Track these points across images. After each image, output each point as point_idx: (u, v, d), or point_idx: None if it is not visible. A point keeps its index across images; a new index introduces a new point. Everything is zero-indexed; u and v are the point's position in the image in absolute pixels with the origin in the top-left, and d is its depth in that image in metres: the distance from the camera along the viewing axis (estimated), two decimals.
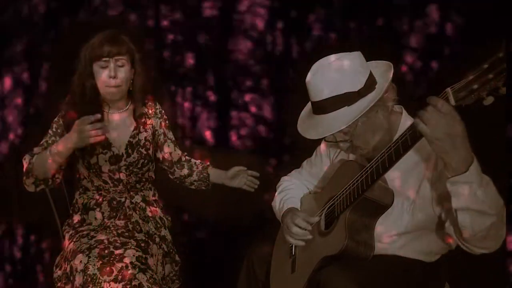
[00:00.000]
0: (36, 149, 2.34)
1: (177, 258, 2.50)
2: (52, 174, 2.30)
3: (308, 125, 1.97)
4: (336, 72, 1.84)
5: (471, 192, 1.55)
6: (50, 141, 2.36)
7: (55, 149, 2.22)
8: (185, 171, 2.63)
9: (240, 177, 2.55)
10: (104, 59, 2.31)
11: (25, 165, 2.29)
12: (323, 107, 1.87)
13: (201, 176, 2.61)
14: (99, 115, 2.16)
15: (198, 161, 2.66)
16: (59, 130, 2.37)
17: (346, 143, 1.91)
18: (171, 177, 2.67)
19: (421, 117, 1.54)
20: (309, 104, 1.99)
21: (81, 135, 2.14)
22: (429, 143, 1.57)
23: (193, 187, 2.66)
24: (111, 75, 2.32)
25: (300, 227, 2.01)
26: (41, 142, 2.38)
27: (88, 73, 2.34)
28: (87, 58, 2.33)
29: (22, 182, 2.32)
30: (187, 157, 2.66)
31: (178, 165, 2.63)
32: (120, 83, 2.35)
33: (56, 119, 2.41)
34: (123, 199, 2.48)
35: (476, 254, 1.70)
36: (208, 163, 2.66)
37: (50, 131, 2.38)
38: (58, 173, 2.34)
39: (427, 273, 1.93)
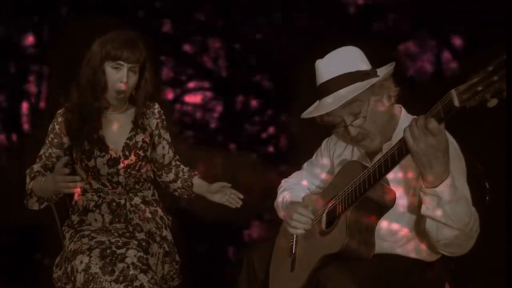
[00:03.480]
0: (35, 166, 2.34)
1: (177, 258, 2.48)
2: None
3: (317, 108, 2.01)
4: (346, 55, 1.97)
5: (438, 205, 1.68)
6: (47, 154, 2.36)
7: (45, 188, 2.21)
8: (171, 176, 2.60)
9: (222, 194, 2.50)
10: (121, 61, 2.28)
11: (26, 185, 2.30)
12: (334, 84, 1.93)
13: (185, 184, 2.58)
14: (66, 170, 2.11)
15: (186, 168, 2.62)
16: (55, 140, 2.36)
17: (358, 123, 1.92)
18: (158, 179, 2.64)
19: (410, 127, 1.63)
20: (315, 104, 2.05)
21: (55, 184, 2.13)
22: (410, 152, 1.65)
23: (176, 193, 2.64)
24: (122, 80, 2.29)
25: (302, 215, 2.02)
26: (40, 153, 2.38)
27: (102, 70, 2.30)
28: (103, 55, 2.29)
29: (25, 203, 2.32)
30: (177, 162, 2.63)
31: (166, 169, 2.59)
32: (127, 88, 2.33)
33: (51, 125, 2.39)
34: (122, 201, 2.45)
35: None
36: (196, 172, 2.62)
37: (47, 140, 2.38)
38: None
39: (427, 272, 1.95)
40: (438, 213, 1.68)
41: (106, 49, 2.28)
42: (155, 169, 2.61)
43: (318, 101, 2.05)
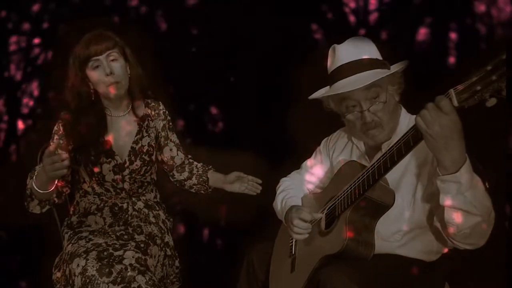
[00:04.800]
0: (37, 167, 2.23)
1: (177, 263, 2.45)
2: (55, 194, 2.24)
3: (333, 88, 1.97)
4: (365, 43, 1.97)
5: (459, 192, 1.61)
6: None
7: (38, 180, 2.11)
8: (185, 175, 2.57)
9: (240, 182, 2.47)
10: (94, 58, 2.22)
11: (27, 186, 2.21)
12: (355, 67, 1.92)
13: (200, 179, 2.55)
14: (51, 149, 1.96)
15: (199, 164, 2.59)
16: (60, 141, 2.29)
17: (376, 108, 1.90)
18: (171, 179, 2.61)
19: (420, 112, 1.58)
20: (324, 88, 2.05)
21: (44, 170, 2.01)
22: (424, 139, 1.61)
23: (192, 190, 2.60)
24: (107, 72, 2.22)
25: (305, 220, 2.01)
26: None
27: (81, 80, 2.25)
28: (77, 64, 2.24)
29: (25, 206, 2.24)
30: (190, 159, 2.60)
31: (179, 168, 2.57)
32: (119, 78, 2.26)
33: (56, 127, 2.33)
34: (125, 205, 2.43)
35: (461, 249, 1.77)
36: (210, 166, 2.59)
37: (51, 142, 2.29)
38: (63, 189, 2.29)
39: (427, 272, 1.94)
40: (460, 200, 1.62)
41: (77, 57, 2.24)
42: (165, 170, 2.59)
43: (328, 87, 2.02)
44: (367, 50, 1.94)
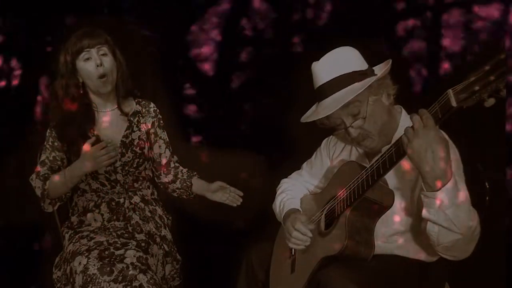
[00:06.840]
0: (42, 170, 2.35)
1: (178, 257, 2.48)
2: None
3: (316, 112, 1.97)
4: (342, 56, 1.93)
5: (440, 209, 1.62)
6: (51, 158, 2.36)
7: (70, 178, 2.29)
8: (170, 177, 2.60)
9: (222, 192, 2.50)
10: (86, 50, 2.30)
11: (37, 190, 2.33)
12: (332, 86, 1.90)
13: (184, 184, 2.58)
14: (104, 144, 2.22)
15: (185, 169, 2.62)
16: (55, 143, 2.37)
17: (358, 124, 1.89)
18: (157, 180, 2.64)
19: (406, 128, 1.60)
20: (313, 107, 2.04)
21: (96, 162, 2.21)
22: (406, 153, 1.62)
23: (175, 194, 2.63)
24: (97, 63, 2.30)
25: (300, 232, 2.00)
26: (42, 159, 2.38)
27: (70, 71, 2.34)
28: (68, 57, 2.32)
29: (40, 203, 2.36)
30: (176, 163, 2.63)
31: (165, 170, 2.60)
32: (107, 71, 2.33)
33: (48, 130, 2.39)
34: (122, 200, 2.46)
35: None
36: (195, 173, 2.62)
37: (47, 145, 2.38)
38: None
39: (427, 273, 1.94)
40: (440, 217, 1.63)
41: (69, 50, 2.32)
42: (153, 170, 2.61)
43: (316, 103, 2.02)
44: (344, 64, 1.91)
